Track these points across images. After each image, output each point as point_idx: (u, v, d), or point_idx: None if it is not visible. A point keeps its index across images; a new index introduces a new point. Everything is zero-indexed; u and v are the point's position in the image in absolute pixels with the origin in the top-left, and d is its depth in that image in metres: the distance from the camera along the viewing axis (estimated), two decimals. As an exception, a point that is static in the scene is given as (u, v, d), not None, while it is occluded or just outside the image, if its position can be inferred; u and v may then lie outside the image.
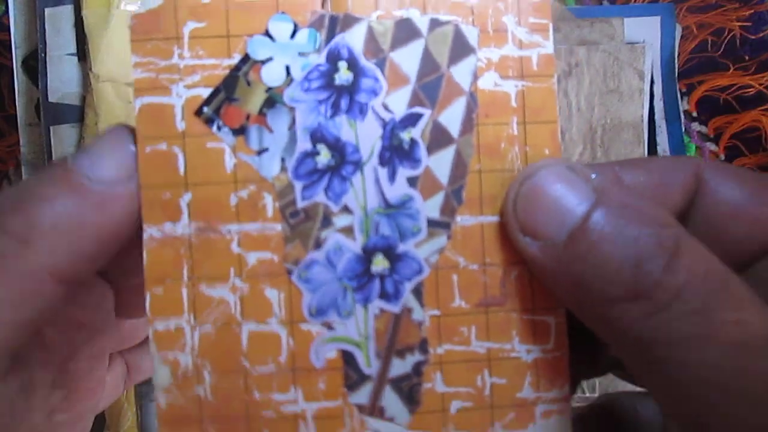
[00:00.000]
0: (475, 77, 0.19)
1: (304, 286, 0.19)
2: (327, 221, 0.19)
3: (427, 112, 0.19)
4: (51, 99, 0.33)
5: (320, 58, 0.18)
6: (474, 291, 0.19)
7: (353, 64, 0.18)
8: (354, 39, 0.18)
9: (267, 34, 0.18)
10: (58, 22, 0.32)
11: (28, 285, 0.17)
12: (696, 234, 0.16)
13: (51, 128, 0.32)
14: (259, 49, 0.18)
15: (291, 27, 0.18)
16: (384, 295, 0.19)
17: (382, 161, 0.19)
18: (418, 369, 0.19)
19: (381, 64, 0.19)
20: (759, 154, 0.48)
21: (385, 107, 0.19)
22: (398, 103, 0.19)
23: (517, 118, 0.19)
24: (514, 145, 0.19)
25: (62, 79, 0.33)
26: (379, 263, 0.19)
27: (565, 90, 0.48)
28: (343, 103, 0.19)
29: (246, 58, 0.18)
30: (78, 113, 0.33)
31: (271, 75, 0.18)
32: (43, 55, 0.32)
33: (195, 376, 0.18)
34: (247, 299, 0.19)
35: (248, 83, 0.18)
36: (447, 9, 0.18)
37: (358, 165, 0.19)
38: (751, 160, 0.49)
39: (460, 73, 0.19)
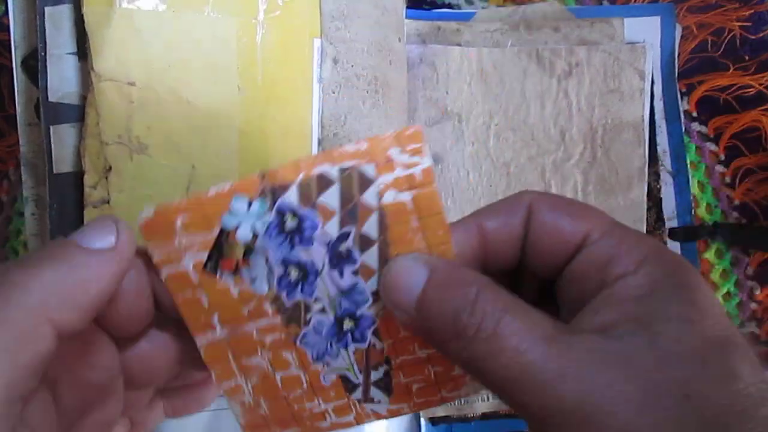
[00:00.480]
0: (380, 197, 0.26)
1: (305, 347, 0.29)
2: (308, 309, 0.28)
3: (353, 229, 0.27)
4: (51, 98, 0.32)
5: (272, 217, 0.26)
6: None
7: (295, 214, 0.26)
8: (291, 197, 0.26)
9: (230, 212, 0.26)
10: (59, 20, 0.32)
11: (29, 327, 0.20)
12: (529, 247, 0.25)
13: (51, 128, 0.32)
14: (228, 222, 0.26)
15: (246, 203, 0.26)
16: (355, 340, 0.29)
17: (332, 266, 0.28)
18: (387, 374, 0.29)
19: (312, 207, 0.26)
20: (759, 154, 0.48)
21: (324, 234, 0.27)
22: (332, 228, 0.27)
23: (416, 216, 0.26)
24: (417, 234, 0.27)
25: (62, 79, 0.33)
26: (347, 323, 0.29)
27: (566, 90, 0.48)
28: (296, 239, 0.27)
29: (222, 230, 0.26)
30: (78, 113, 0.33)
31: (243, 236, 0.26)
32: (43, 54, 0.32)
33: (256, 406, 0.29)
34: (273, 361, 0.29)
35: (230, 245, 0.26)
36: (349, 158, 0.26)
37: (318, 273, 0.28)
38: (751, 160, 0.49)
39: (368, 197, 0.26)
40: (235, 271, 0.27)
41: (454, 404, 0.48)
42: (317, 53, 0.38)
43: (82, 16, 0.31)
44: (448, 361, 0.29)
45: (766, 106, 0.48)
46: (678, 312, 0.21)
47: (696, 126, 0.49)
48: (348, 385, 0.30)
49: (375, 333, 0.29)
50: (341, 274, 0.28)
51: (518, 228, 0.25)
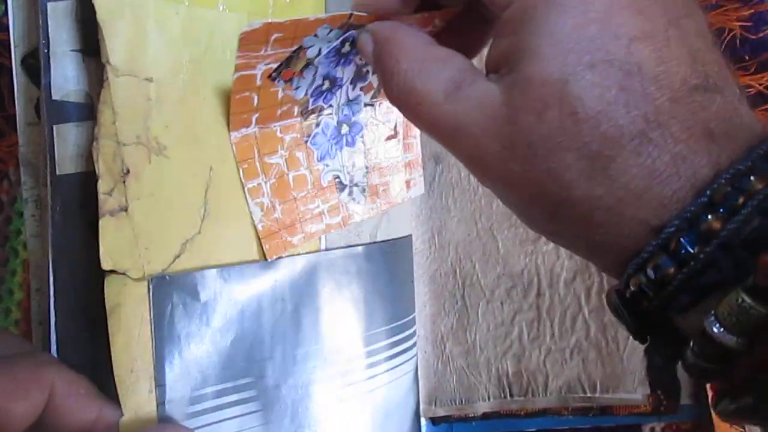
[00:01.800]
0: None
1: (313, 147, 0.38)
2: (321, 112, 0.37)
3: None
4: (55, 97, 0.32)
5: (337, 42, 0.31)
6: (386, 131, 0.41)
7: (352, 43, 0.32)
8: (356, 34, 0.31)
9: (315, 35, 0.30)
10: (62, 16, 0.31)
11: None
12: None
13: (54, 127, 0.32)
14: (307, 42, 0.31)
15: (328, 30, 0.30)
16: (347, 144, 0.39)
17: (351, 82, 0.37)
18: (365, 175, 0.41)
19: None
20: (759, 154, 0.49)
21: (360, 58, 0.34)
22: None
23: None
24: None
25: (66, 76, 0.32)
26: (344, 129, 0.39)
27: (566, 90, 0.48)
28: (342, 60, 0.34)
29: (300, 48, 0.31)
30: (83, 111, 0.32)
31: (311, 52, 0.32)
32: (45, 51, 0.31)
33: (272, 208, 0.36)
34: (288, 160, 0.36)
35: (298, 58, 0.32)
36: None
37: (341, 86, 0.36)
38: (750, 160, 0.49)
39: None
40: (289, 80, 0.33)
41: (455, 404, 0.48)
42: None
43: (88, 10, 0.30)
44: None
45: (766, 106, 0.48)
46: (537, 43, 0.22)
47: (696, 126, 0.49)
48: (339, 186, 0.39)
49: (362, 137, 0.40)
50: (354, 87, 0.37)
51: None
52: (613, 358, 0.47)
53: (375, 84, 0.38)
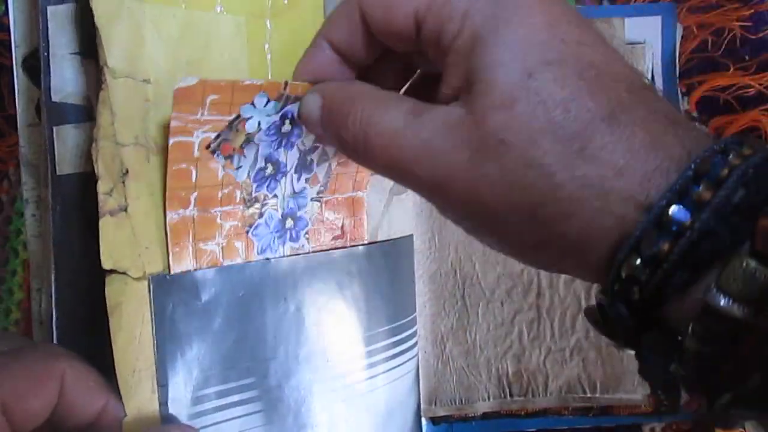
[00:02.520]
0: None
1: (254, 238, 0.35)
2: (265, 201, 0.35)
3: (320, 146, 0.35)
4: (54, 98, 0.32)
5: (277, 117, 0.31)
6: (331, 231, 0.39)
7: (292, 121, 0.32)
8: (295, 108, 0.30)
9: (252, 103, 0.30)
10: (62, 19, 0.32)
11: None
12: (378, 37, 0.28)
13: (54, 128, 0.32)
14: (245, 112, 0.30)
15: (265, 100, 0.30)
16: (291, 239, 0.37)
17: (296, 170, 0.35)
18: None
19: None
20: (759, 154, 0.49)
21: (303, 143, 0.34)
22: (309, 141, 0.34)
23: None
24: (354, 165, 0.38)
25: (65, 78, 0.32)
26: (289, 222, 0.36)
27: (566, 90, 0.48)
28: (284, 141, 0.33)
29: (238, 117, 0.31)
30: (82, 113, 0.32)
31: (250, 126, 0.31)
32: (45, 54, 0.32)
33: None
34: (225, 248, 0.34)
35: (237, 130, 0.31)
36: None
37: (285, 173, 0.35)
38: (750, 160, 0.49)
39: None
40: (229, 156, 0.32)
41: (455, 404, 0.48)
42: None
43: (87, 13, 0.30)
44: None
45: (766, 106, 0.48)
46: (493, 56, 0.23)
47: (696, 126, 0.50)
48: None
49: (306, 235, 0.38)
50: (299, 178, 0.36)
51: (360, 37, 0.28)
52: (613, 358, 0.47)
53: (320, 178, 0.37)
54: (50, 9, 0.31)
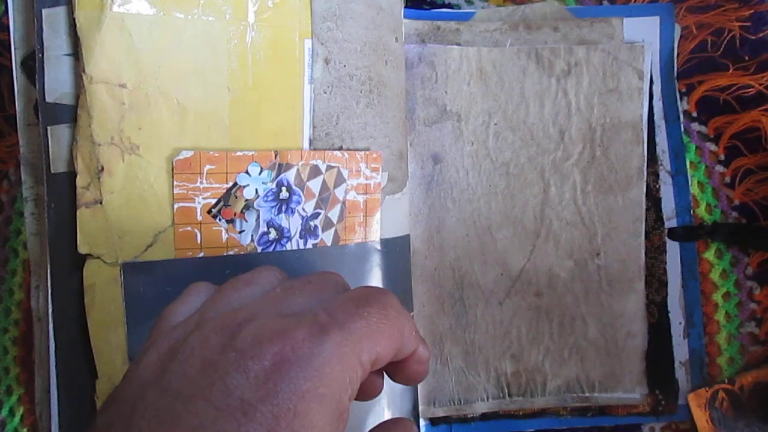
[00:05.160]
0: (346, 193, 0.37)
1: None
2: None
3: (322, 212, 0.37)
4: (48, 99, 0.32)
5: (273, 185, 0.34)
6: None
7: (289, 188, 0.34)
8: (290, 175, 0.34)
9: (247, 172, 0.33)
10: (56, 22, 0.32)
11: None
12: None
13: (48, 128, 0.32)
14: (242, 180, 0.33)
15: (259, 169, 0.33)
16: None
17: (301, 236, 0.37)
18: None
19: (302, 188, 0.36)
20: (759, 155, 0.48)
21: (303, 209, 0.36)
22: (309, 207, 0.36)
23: (363, 213, 0.38)
24: (361, 227, 0.38)
25: (59, 80, 0.33)
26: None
27: (565, 89, 0.48)
28: (283, 207, 0.35)
29: (235, 184, 0.33)
30: (74, 113, 0.33)
31: (248, 193, 0.34)
32: (40, 55, 0.32)
33: None
34: None
35: (236, 197, 0.34)
36: (334, 160, 0.36)
37: (289, 238, 0.36)
38: (750, 161, 0.48)
39: (339, 192, 0.37)
40: (231, 220, 0.35)
41: (454, 404, 0.48)
42: (308, 54, 0.38)
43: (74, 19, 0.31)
44: None
45: (766, 106, 0.48)
46: None
47: (696, 126, 0.49)
48: None
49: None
50: (305, 243, 0.37)
51: None
52: (612, 358, 0.47)
53: (328, 242, 0.38)
54: (45, 11, 0.32)
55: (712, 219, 0.49)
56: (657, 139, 0.48)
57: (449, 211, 0.48)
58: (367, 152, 0.37)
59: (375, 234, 0.40)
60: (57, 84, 0.32)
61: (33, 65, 0.34)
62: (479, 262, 0.48)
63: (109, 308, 0.35)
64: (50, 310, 0.34)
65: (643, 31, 0.48)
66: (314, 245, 0.38)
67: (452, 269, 0.48)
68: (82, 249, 0.34)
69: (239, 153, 0.33)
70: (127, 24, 0.33)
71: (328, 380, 0.22)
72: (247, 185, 0.34)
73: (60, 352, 0.35)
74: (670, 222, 0.48)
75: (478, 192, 0.48)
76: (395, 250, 0.44)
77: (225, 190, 0.34)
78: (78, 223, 0.33)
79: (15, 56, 0.35)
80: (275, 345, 0.22)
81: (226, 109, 0.36)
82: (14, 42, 0.35)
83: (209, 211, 0.34)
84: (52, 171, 0.33)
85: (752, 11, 0.48)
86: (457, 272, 0.48)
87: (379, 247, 0.42)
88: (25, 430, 0.46)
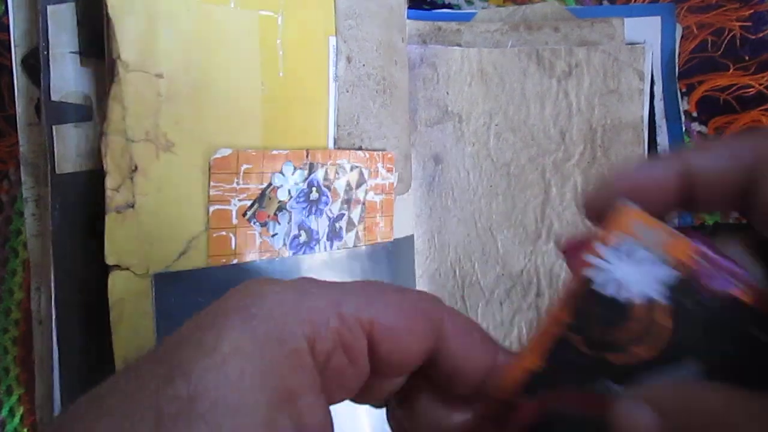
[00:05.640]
0: (365, 194, 0.37)
1: None
2: None
3: (346, 213, 0.37)
4: (54, 97, 0.32)
5: (305, 186, 0.34)
6: None
7: (318, 189, 0.35)
8: (319, 175, 0.34)
9: (281, 172, 0.33)
10: (61, 19, 0.31)
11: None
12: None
13: (54, 128, 0.32)
14: (276, 180, 0.33)
15: (292, 168, 0.33)
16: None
17: (327, 238, 0.37)
18: None
19: (329, 188, 0.36)
20: (759, 155, 0.48)
21: (330, 211, 0.36)
22: (335, 208, 0.36)
23: (380, 214, 0.38)
24: (378, 226, 0.39)
25: (65, 78, 0.32)
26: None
27: (565, 90, 0.48)
28: (313, 208, 0.35)
29: (269, 185, 0.33)
30: (81, 112, 0.32)
31: (282, 194, 0.34)
32: (45, 53, 0.32)
33: None
34: None
35: (269, 198, 0.34)
36: (357, 160, 0.36)
37: (318, 240, 0.36)
38: (750, 160, 0.49)
39: (359, 192, 0.37)
40: (264, 223, 0.34)
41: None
42: (332, 51, 0.38)
43: (89, 11, 0.30)
44: None
45: (766, 106, 0.48)
46: None
47: (696, 126, 0.49)
48: None
49: None
50: (331, 245, 0.38)
51: (737, 174, 0.20)
52: (613, 358, 0.47)
53: (350, 243, 0.38)
54: (50, 8, 0.31)
55: (713, 219, 0.49)
56: (658, 139, 0.48)
57: (450, 211, 0.48)
58: (384, 152, 0.37)
59: (389, 234, 0.39)
60: (62, 82, 0.32)
61: (34, 64, 0.33)
62: (480, 262, 0.48)
63: (137, 324, 0.32)
64: (53, 315, 0.33)
65: (644, 32, 0.48)
66: (338, 247, 0.37)
67: (453, 269, 0.48)
68: (110, 260, 0.30)
69: (275, 152, 0.31)
70: (161, 7, 0.31)
71: (270, 303, 0.20)
72: (281, 186, 0.33)
73: (64, 358, 0.33)
74: (671, 222, 0.48)
75: (479, 192, 0.48)
76: (401, 251, 0.44)
77: (260, 191, 0.33)
78: (107, 230, 0.30)
79: (15, 54, 0.35)
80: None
81: (258, 105, 0.35)
82: (14, 40, 0.34)
83: (244, 214, 0.33)
84: (58, 172, 0.32)
85: (752, 11, 0.49)
86: (458, 272, 0.48)
87: (391, 248, 0.42)
88: (25, 430, 0.46)
